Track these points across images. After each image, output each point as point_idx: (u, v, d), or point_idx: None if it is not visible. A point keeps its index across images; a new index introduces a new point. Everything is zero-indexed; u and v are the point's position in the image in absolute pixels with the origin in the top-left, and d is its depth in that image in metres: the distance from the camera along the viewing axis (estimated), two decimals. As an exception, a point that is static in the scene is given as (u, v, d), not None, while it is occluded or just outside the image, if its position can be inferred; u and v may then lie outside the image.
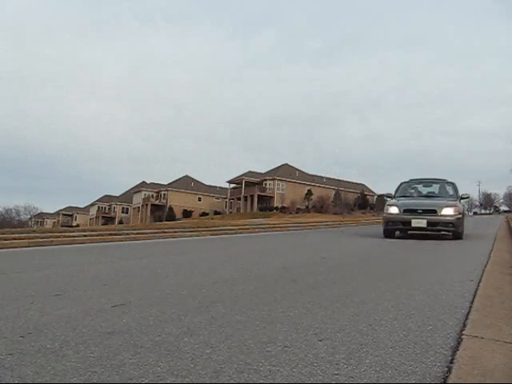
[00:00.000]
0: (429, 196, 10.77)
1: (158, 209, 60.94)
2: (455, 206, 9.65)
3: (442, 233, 10.01)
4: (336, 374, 1.74)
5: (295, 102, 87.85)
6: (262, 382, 1.67)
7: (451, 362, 1.87)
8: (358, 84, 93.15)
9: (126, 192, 75.27)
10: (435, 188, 11.14)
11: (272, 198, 52.92)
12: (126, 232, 12.44)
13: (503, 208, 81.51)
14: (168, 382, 1.66)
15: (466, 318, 2.67)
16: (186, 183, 65.08)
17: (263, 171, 58.86)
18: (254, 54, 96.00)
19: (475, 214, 68.45)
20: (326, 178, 59.18)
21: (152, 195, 64.60)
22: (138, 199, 66.69)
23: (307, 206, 49.13)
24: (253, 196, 53.24)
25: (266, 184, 54.80)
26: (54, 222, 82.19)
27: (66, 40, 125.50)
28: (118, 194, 77.78)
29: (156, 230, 13.79)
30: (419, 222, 9.29)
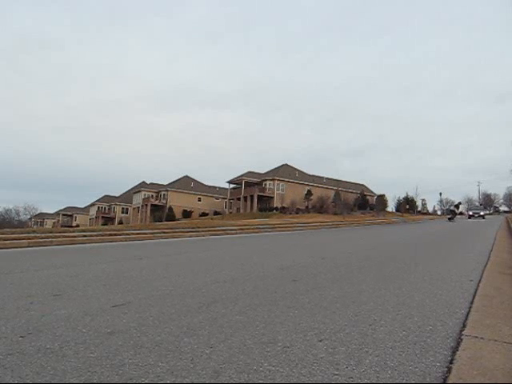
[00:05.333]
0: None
1: (158, 209, 60.90)
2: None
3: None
4: (336, 374, 1.74)
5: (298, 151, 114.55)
6: (261, 382, 1.67)
7: (451, 362, 1.87)
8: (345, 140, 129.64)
9: (126, 192, 75.22)
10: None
11: (272, 198, 52.90)
12: (125, 232, 12.44)
13: (503, 208, 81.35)
14: (168, 382, 1.66)
15: (466, 318, 2.67)
16: (185, 183, 65.05)
17: (263, 171, 58.93)
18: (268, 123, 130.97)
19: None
20: (326, 179, 59.16)
21: (152, 195, 64.58)
22: (137, 199, 66.66)
23: (307, 207, 49.10)
24: (253, 196, 53.24)
25: (265, 184, 54.80)
26: (54, 223, 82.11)
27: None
28: (117, 195, 77.82)
29: (156, 231, 13.78)
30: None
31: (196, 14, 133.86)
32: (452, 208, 35.96)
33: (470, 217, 39.39)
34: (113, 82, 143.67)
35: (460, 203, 37.03)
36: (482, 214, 39.80)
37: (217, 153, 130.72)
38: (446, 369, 1.80)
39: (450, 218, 31.37)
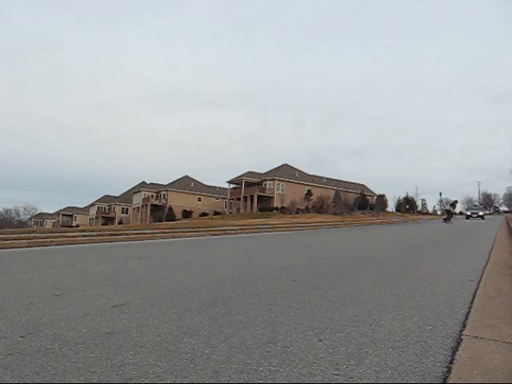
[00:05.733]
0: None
1: (158, 209, 60.92)
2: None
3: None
4: (336, 374, 1.74)
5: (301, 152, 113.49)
6: (261, 382, 1.67)
7: (451, 362, 1.87)
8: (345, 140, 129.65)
9: (126, 192, 75.23)
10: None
11: (272, 198, 52.93)
12: (125, 232, 12.44)
13: (503, 208, 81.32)
14: (168, 382, 1.66)
15: (466, 318, 2.67)
16: (185, 183, 65.07)
17: (263, 171, 58.98)
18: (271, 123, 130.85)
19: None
20: (326, 179, 59.18)
21: (152, 195, 64.62)
22: (137, 199, 66.67)
23: (307, 207, 49.09)
24: (253, 196, 53.26)
25: (265, 184, 54.83)
26: (54, 223, 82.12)
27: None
28: (117, 195, 77.88)
29: (156, 231, 13.79)
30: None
31: (196, 14, 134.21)
32: (448, 208, 29.92)
33: (467, 217, 35.29)
34: (113, 82, 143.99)
35: (456, 201, 27.62)
36: (480, 214, 35.49)
37: (217, 153, 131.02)
38: (446, 369, 1.80)
39: (445, 219, 26.29)
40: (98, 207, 76.96)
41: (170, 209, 59.00)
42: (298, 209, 47.40)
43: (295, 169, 59.01)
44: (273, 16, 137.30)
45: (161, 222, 44.90)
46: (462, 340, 2.19)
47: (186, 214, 58.30)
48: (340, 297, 3.34)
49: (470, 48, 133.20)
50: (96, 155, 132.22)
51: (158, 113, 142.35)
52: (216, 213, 59.28)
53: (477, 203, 62.36)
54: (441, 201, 74.25)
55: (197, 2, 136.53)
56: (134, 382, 1.65)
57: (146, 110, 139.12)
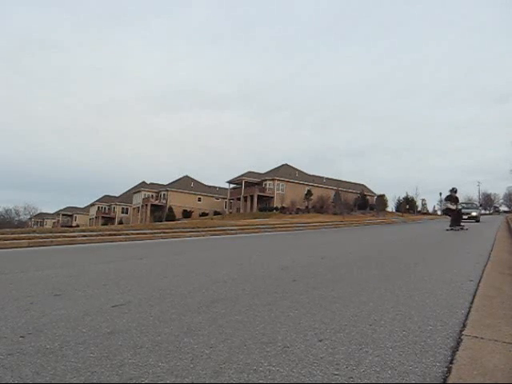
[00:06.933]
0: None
1: (158, 209, 60.96)
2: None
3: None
4: (336, 374, 1.74)
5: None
6: (261, 382, 1.67)
7: (451, 362, 1.87)
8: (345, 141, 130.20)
9: (126, 192, 75.30)
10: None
11: (272, 198, 52.96)
12: (125, 232, 12.44)
13: (503, 208, 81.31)
14: (168, 382, 1.66)
15: (466, 318, 2.67)
16: (185, 183, 65.12)
17: (263, 171, 59.01)
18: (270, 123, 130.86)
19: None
20: (326, 179, 59.24)
21: (152, 195, 64.65)
22: (137, 199, 66.70)
23: (307, 207, 49.11)
24: (253, 196, 53.28)
25: (265, 184, 54.85)
26: (54, 223, 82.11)
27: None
28: (117, 195, 77.93)
29: (156, 231, 13.79)
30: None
31: (196, 16, 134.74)
32: (447, 205, 16.68)
33: None
34: (113, 83, 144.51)
35: (455, 190, 16.81)
36: (474, 214, 27.28)
37: (217, 153, 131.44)
38: (446, 369, 1.80)
39: (452, 226, 16.23)
40: (98, 207, 76.97)
41: (170, 209, 59.00)
42: (298, 209, 47.42)
43: (295, 169, 59.01)
44: (273, 17, 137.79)
45: (161, 221, 44.89)
46: (461, 340, 2.19)
47: (186, 214, 58.30)
48: (340, 297, 3.34)
49: (470, 49, 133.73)
50: (96, 156, 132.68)
51: (158, 113, 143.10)
52: (216, 213, 59.27)
53: (476, 202, 51.45)
54: (441, 201, 73.76)
55: (197, 3, 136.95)
56: (133, 382, 1.65)
57: (146, 111, 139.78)
